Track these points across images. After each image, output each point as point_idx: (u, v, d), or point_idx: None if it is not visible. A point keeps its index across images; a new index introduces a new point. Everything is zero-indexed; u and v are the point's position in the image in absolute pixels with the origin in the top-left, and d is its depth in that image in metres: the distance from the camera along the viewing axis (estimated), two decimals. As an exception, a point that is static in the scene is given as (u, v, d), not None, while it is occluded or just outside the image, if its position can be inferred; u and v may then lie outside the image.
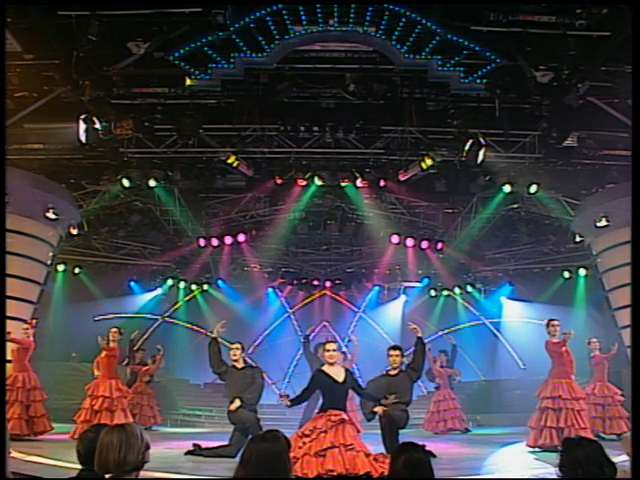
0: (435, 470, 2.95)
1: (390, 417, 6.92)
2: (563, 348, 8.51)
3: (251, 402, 7.68)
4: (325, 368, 6.36)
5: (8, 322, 9.37)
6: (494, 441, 10.26)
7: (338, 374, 6.28)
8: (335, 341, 6.66)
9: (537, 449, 8.24)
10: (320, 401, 6.36)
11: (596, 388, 10.35)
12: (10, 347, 9.85)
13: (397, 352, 7.48)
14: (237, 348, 8.04)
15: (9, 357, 9.91)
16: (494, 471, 6.87)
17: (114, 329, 10.28)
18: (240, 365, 7.97)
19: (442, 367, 12.94)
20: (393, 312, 17.95)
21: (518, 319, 16.93)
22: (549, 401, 8.31)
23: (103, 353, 10.02)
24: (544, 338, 8.89)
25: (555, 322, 8.74)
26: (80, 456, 3.27)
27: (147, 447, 2.92)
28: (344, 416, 6.00)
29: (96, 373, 10.06)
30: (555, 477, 2.97)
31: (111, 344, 10.05)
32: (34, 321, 10.50)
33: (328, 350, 6.35)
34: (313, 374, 6.50)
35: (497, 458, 8.09)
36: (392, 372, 7.46)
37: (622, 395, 10.11)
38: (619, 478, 2.89)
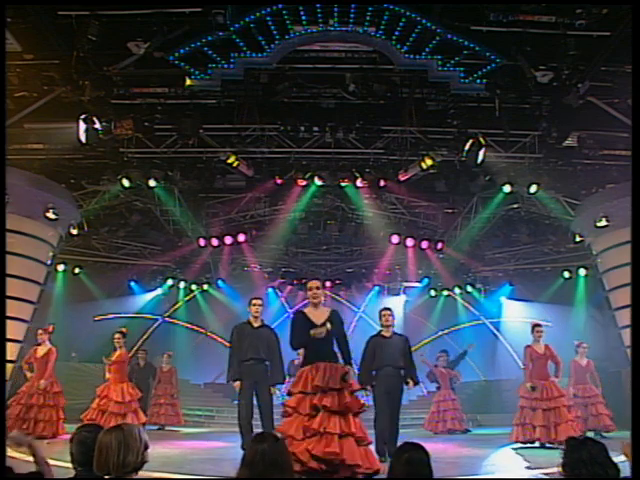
0: (435, 470, 2.95)
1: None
2: (542, 353, 9.11)
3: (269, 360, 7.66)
4: (307, 311, 6.01)
5: (8, 322, 9.39)
6: (494, 441, 10.25)
7: (319, 318, 5.89)
8: (319, 279, 6.28)
9: (519, 444, 8.99)
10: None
11: (579, 390, 10.87)
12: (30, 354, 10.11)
13: (389, 312, 7.89)
14: (260, 305, 7.86)
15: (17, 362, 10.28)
16: (494, 471, 6.86)
17: (117, 335, 10.37)
18: (257, 324, 7.79)
19: (443, 367, 12.97)
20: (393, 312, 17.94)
21: (518, 319, 16.95)
22: (527, 400, 9.07)
23: (112, 360, 10.16)
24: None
25: (540, 328, 9.27)
26: (72, 456, 3.25)
27: (146, 447, 2.91)
28: (347, 399, 5.58)
29: (107, 376, 10.20)
30: (557, 477, 2.97)
31: (117, 351, 10.21)
32: (51, 327, 10.52)
33: (311, 289, 6.01)
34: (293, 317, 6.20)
35: (497, 458, 8.09)
36: (386, 333, 7.74)
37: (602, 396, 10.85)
38: (621, 478, 2.89)
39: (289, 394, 5.83)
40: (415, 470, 2.84)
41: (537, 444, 8.91)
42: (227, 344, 8.34)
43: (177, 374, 13.51)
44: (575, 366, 11.07)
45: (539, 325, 9.39)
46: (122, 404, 9.77)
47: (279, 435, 3.06)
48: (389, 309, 8.06)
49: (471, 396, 15.01)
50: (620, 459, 2.98)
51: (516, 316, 17.02)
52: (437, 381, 13.09)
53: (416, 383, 7.75)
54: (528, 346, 9.34)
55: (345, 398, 5.54)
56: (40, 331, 10.23)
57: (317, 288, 6.02)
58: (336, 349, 5.99)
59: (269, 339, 7.76)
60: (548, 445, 8.74)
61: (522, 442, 9.02)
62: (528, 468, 6.88)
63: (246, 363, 7.55)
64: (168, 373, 13.28)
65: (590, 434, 9.67)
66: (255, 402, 7.60)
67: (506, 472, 6.83)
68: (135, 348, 13.21)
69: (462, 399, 13.76)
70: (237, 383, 7.57)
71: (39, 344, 10.07)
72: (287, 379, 8.39)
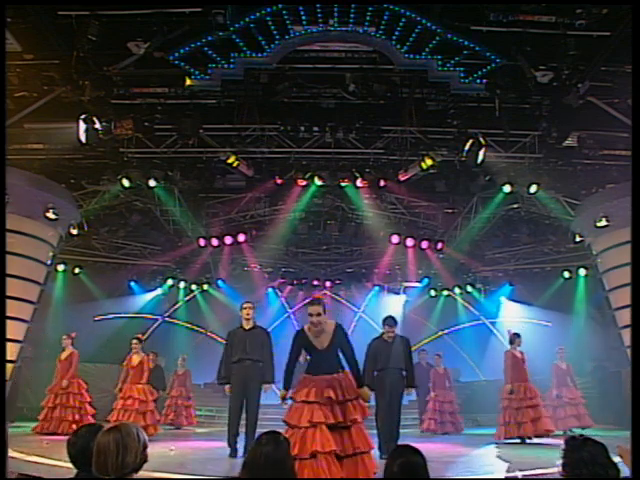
0: (433, 470, 2.95)
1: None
2: (520, 357, 10.38)
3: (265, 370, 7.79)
4: (308, 331, 5.71)
5: (8, 322, 9.39)
6: (494, 441, 10.27)
7: (322, 340, 5.62)
8: (319, 302, 5.75)
9: (501, 441, 9.98)
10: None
11: (563, 391, 11.76)
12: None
13: (393, 329, 8.05)
14: (250, 308, 8.01)
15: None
16: (493, 471, 6.86)
17: (134, 340, 10.66)
18: (249, 326, 7.95)
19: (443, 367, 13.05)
20: (393, 312, 17.94)
21: (518, 319, 16.96)
22: (508, 401, 10.15)
23: (133, 365, 10.44)
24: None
25: (520, 339, 10.59)
26: (71, 457, 3.23)
27: (145, 446, 2.88)
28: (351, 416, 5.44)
29: (127, 379, 10.42)
30: (557, 477, 2.97)
31: (136, 356, 10.41)
32: (74, 333, 11.27)
33: (311, 315, 5.59)
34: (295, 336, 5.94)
35: (496, 458, 8.09)
36: (387, 338, 8.06)
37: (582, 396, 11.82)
38: (622, 478, 2.89)
39: (292, 399, 5.73)
40: (410, 474, 2.83)
41: (518, 440, 10.06)
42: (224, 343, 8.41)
43: (191, 377, 13.96)
44: (556, 370, 11.99)
45: (518, 335, 10.70)
46: (146, 402, 10.19)
47: (282, 437, 3.04)
48: (393, 324, 8.11)
49: (471, 396, 15.01)
50: (616, 459, 2.98)
51: (515, 316, 17.04)
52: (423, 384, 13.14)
53: (413, 387, 8.05)
54: (508, 351, 10.50)
55: (361, 407, 5.55)
56: (64, 336, 11.06)
57: (318, 314, 5.54)
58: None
59: (262, 339, 7.88)
60: (528, 441, 9.97)
61: (507, 439, 10.03)
62: (528, 468, 6.88)
63: (236, 364, 7.75)
64: (183, 376, 13.79)
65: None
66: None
67: (505, 472, 6.83)
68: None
69: (462, 399, 13.77)
70: (227, 387, 7.79)
71: (63, 349, 10.97)
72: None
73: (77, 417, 10.37)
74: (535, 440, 10.09)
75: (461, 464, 7.44)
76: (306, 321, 5.74)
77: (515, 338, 10.61)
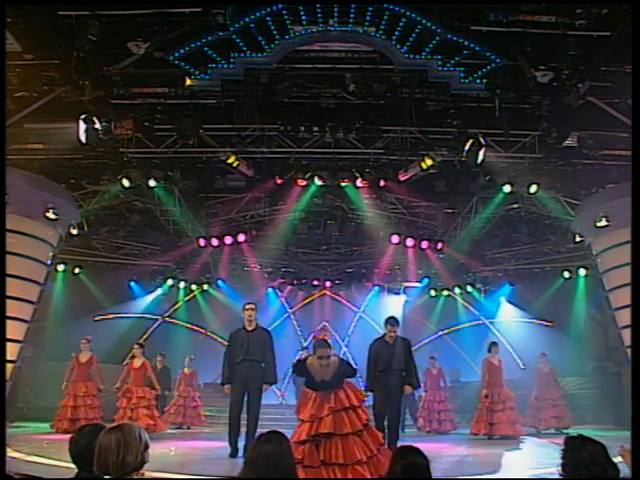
0: (435, 470, 2.95)
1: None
2: (497, 365, 11.34)
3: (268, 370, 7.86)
4: (310, 365, 5.77)
5: (8, 322, 9.40)
6: (493, 441, 10.28)
7: (325, 374, 5.69)
8: (326, 342, 5.90)
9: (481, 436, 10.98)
10: None
11: (544, 394, 12.43)
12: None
13: (395, 329, 7.97)
14: (252, 309, 8.02)
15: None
16: (493, 471, 6.86)
17: (136, 346, 11.10)
18: (251, 327, 7.96)
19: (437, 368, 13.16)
20: (393, 312, 17.95)
21: (517, 319, 16.96)
22: (486, 402, 11.08)
23: (135, 367, 10.74)
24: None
25: (497, 347, 11.63)
26: (72, 456, 3.23)
27: (146, 447, 2.88)
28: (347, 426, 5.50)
29: (128, 380, 10.71)
30: (557, 477, 2.97)
31: (138, 360, 10.73)
32: (90, 337, 11.74)
33: (321, 357, 5.67)
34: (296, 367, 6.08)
35: (496, 458, 8.09)
36: (389, 340, 7.99)
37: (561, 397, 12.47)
38: (621, 478, 2.89)
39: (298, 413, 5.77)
40: (413, 475, 2.83)
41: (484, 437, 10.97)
42: (226, 345, 8.42)
43: (198, 377, 14.14)
44: (539, 373, 12.63)
45: (496, 344, 11.70)
46: (149, 400, 10.49)
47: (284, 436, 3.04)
48: (395, 324, 8.03)
49: (470, 396, 15.00)
50: (617, 460, 2.98)
51: (514, 317, 17.05)
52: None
53: (414, 387, 8.07)
54: (485, 359, 11.37)
55: (358, 415, 5.62)
56: (83, 340, 11.59)
57: (327, 357, 5.65)
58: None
59: (264, 341, 7.90)
60: (490, 436, 10.84)
61: (478, 434, 11.04)
62: (528, 468, 6.88)
63: (238, 365, 7.77)
64: (190, 376, 13.90)
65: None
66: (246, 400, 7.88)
67: (506, 472, 6.84)
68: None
69: (462, 399, 13.78)
70: (227, 387, 7.85)
71: (80, 352, 11.49)
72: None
73: (96, 416, 10.73)
74: (537, 440, 10.28)
75: (461, 464, 7.44)
76: (306, 322, 5.79)
77: (493, 347, 11.52)
